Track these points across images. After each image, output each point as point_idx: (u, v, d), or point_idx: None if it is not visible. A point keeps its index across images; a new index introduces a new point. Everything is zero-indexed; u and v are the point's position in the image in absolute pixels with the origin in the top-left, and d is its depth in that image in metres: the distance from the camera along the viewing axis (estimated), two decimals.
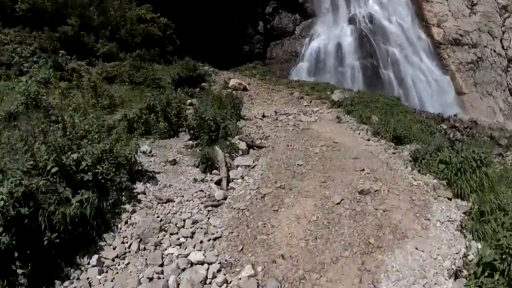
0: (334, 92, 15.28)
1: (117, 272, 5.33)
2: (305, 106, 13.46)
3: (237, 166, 8.17)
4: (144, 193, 7.16)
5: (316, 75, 22.79)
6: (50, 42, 13.64)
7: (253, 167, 8.02)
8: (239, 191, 7.28)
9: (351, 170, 7.28)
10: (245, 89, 15.57)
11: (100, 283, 5.07)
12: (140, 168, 7.78)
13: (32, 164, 5.61)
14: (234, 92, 13.33)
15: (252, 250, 5.60)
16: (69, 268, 5.12)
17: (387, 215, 5.95)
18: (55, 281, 4.87)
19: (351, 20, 25.70)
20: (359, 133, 10.45)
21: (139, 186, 7.27)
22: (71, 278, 5.01)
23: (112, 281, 5.14)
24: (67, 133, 6.77)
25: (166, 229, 6.32)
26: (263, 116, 11.29)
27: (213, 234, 6.21)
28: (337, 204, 6.14)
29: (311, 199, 6.31)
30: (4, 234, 4.55)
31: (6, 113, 7.47)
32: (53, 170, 5.74)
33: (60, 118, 6.94)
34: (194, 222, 6.53)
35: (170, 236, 6.18)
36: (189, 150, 8.53)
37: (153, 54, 17.03)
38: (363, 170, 7.30)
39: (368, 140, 9.80)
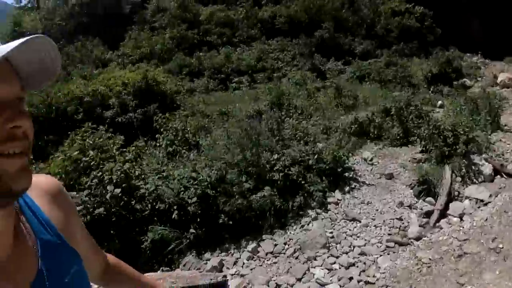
0: None
1: (261, 265, 5.54)
2: None
3: (466, 198, 5.63)
4: (337, 204, 6.68)
5: None
6: (306, 47, 14.90)
7: (486, 204, 5.21)
8: (441, 236, 5.08)
9: None
10: None
11: (241, 267, 5.49)
12: (350, 175, 7.26)
13: (240, 158, 6.90)
14: (503, 90, 8.68)
15: None
16: (231, 245, 5.94)
17: None
18: (217, 248, 5.86)
19: None
20: None
21: (337, 195, 6.86)
22: (228, 252, 5.82)
23: (251, 270, 5.43)
24: (278, 133, 7.49)
25: (329, 248, 5.69)
26: None
27: (369, 277, 4.90)
28: None
29: None
30: (194, 205, 6.09)
31: (255, 111, 9.29)
32: (249, 166, 6.74)
33: (285, 118, 7.79)
34: (362, 253, 5.41)
35: (327, 257, 5.52)
36: (414, 164, 6.77)
37: (412, 47, 14.82)
38: None
39: None
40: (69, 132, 6.91)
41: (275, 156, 6.97)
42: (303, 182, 6.86)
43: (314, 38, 16.17)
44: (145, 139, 8.35)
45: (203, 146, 7.69)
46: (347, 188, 7.01)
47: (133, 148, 6.46)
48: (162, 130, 7.94)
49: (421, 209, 5.88)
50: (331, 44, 15.90)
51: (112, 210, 5.32)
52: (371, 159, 7.56)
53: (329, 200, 6.77)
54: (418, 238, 5.25)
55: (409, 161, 7.04)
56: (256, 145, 7.13)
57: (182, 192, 6.13)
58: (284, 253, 5.76)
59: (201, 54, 16.63)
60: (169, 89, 11.69)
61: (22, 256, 0.73)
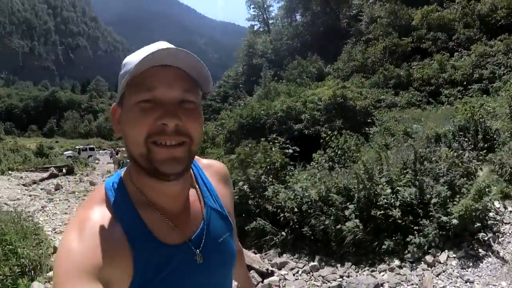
0: None
1: (306, 281, 5.92)
2: None
3: None
4: (432, 266, 5.52)
5: None
6: None
7: None
8: None
9: None
10: None
11: (293, 274, 6.10)
12: (485, 238, 5.31)
13: (345, 184, 6.95)
14: None
15: None
16: (306, 256, 6.57)
17: None
18: (295, 253, 6.72)
19: None
20: None
21: (442, 256, 5.71)
22: (299, 259, 6.54)
23: (295, 279, 5.96)
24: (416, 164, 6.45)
25: None
26: None
27: None
28: None
29: None
30: (291, 214, 7.19)
31: (436, 134, 7.35)
32: (361, 195, 6.67)
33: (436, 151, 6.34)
34: None
35: None
36: None
37: None
38: None
39: None
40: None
41: (387, 191, 6.44)
42: (413, 226, 5.94)
43: None
44: (324, 151, 9.63)
45: (350, 167, 7.89)
46: (462, 253, 5.19)
47: (280, 160, 8.21)
48: (326, 146, 8.80)
49: None
50: None
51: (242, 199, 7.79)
52: None
53: (426, 257, 5.47)
54: None
55: None
56: (383, 176, 6.79)
57: (289, 201, 7.38)
58: (331, 283, 5.80)
59: (413, 63, 13.95)
60: (359, 105, 11.55)
61: (190, 214, 0.93)
